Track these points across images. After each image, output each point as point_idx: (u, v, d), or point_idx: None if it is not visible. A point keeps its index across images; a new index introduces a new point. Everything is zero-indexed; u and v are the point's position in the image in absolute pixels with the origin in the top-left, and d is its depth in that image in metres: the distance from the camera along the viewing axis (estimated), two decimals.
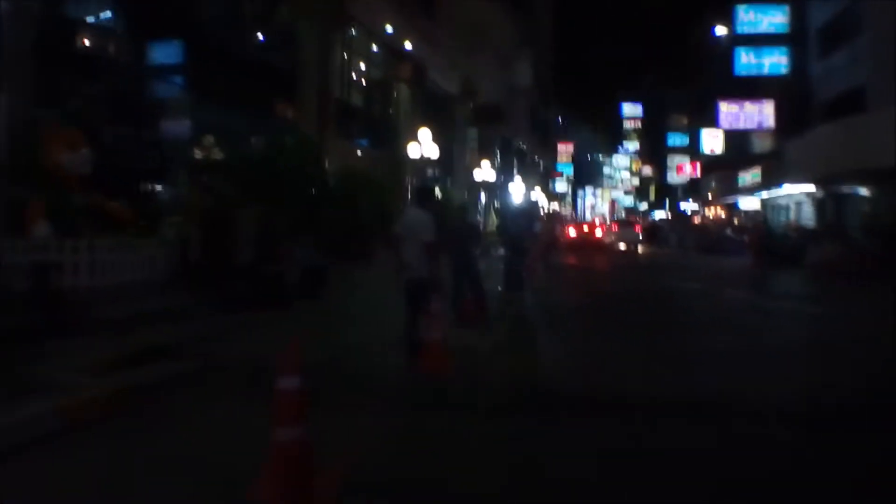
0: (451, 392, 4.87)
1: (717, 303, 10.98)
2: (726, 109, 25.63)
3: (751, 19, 24.46)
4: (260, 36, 14.43)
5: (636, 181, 68.37)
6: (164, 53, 11.77)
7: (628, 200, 70.72)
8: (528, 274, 11.53)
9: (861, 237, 15.74)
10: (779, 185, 22.93)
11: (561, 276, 15.36)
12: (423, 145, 18.36)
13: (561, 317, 8.92)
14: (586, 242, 26.63)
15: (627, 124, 68.83)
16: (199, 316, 6.95)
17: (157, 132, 11.09)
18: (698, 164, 38.27)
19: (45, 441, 3.60)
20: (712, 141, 31.40)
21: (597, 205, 78.67)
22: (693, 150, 38.49)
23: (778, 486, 3.23)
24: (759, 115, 25.14)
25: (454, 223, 8.43)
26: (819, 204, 21.19)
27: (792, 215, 23.89)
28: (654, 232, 36.08)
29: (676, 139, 44.92)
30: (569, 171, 62.62)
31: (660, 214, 49.93)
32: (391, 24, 18.65)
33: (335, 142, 15.65)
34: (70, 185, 7.12)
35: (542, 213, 31.99)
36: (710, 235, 26.76)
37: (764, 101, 24.88)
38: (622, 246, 28.79)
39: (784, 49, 23.91)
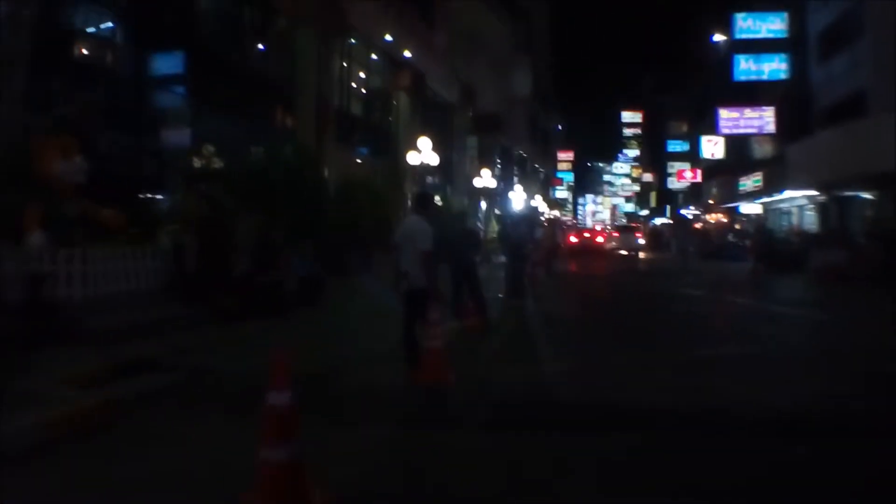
0: (451, 404, 4.79)
1: (720, 309, 10.87)
2: (726, 115, 25.60)
3: (749, 26, 24.49)
4: (260, 46, 14.44)
5: (637, 187, 68.39)
6: (166, 64, 11.79)
7: (629, 207, 70.77)
8: (530, 280, 11.44)
9: (864, 242, 15.62)
10: (781, 190, 22.84)
11: (562, 282, 15.27)
12: (423, 153, 18.33)
13: (562, 324, 8.84)
14: (587, 249, 26.60)
15: (627, 131, 69.01)
16: (193, 326, 6.86)
17: (157, 141, 11.05)
18: (699, 170, 38.25)
19: (29, 455, 3.51)
20: (712, 147, 31.36)
21: (598, 211, 78.72)
22: (693, 157, 38.48)
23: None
24: (760, 120, 25.11)
25: (454, 230, 8.34)
26: (822, 209, 21.09)
27: (794, 220, 23.78)
28: (655, 238, 36.06)
29: (676, 146, 44.91)
30: (569, 178, 62.75)
31: (661, 220, 49.84)
32: (390, 34, 18.70)
33: (335, 150, 15.64)
34: (63, 194, 7.05)
35: (543, 220, 31.97)
36: (711, 241, 26.65)
37: (764, 106, 24.85)
38: (623, 252, 28.74)
39: (783, 55, 23.91)
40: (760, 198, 25.89)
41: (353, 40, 17.58)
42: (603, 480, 3.31)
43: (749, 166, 27.57)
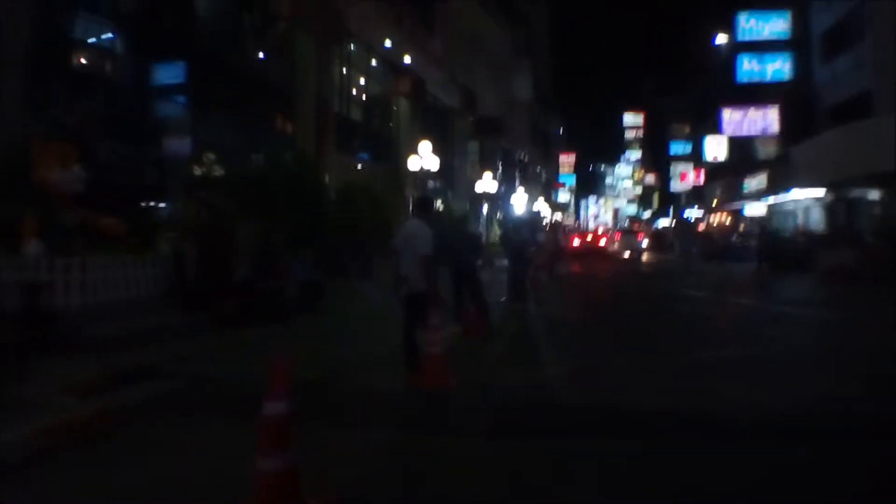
0: (451, 408, 4.74)
1: (723, 310, 10.78)
2: (729, 116, 25.48)
3: (752, 27, 24.38)
4: (260, 53, 14.47)
5: (639, 190, 68.26)
6: (167, 73, 11.84)
7: (631, 209, 70.62)
8: (532, 284, 11.37)
9: (872, 240, 15.49)
10: (786, 190, 22.70)
11: (565, 285, 15.22)
12: (424, 158, 18.32)
13: (564, 327, 8.79)
14: (590, 251, 26.53)
15: (629, 134, 68.94)
16: (193, 333, 6.83)
17: (157, 149, 11.07)
18: (702, 172, 38.11)
19: (28, 462, 3.50)
20: (715, 148, 31.23)
21: (600, 214, 78.60)
22: (696, 158, 38.35)
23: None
24: (764, 120, 24.96)
25: (455, 234, 8.30)
26: (828, 208, 20.94)
27: (800, 220, 23.62)
28: (658, 240, 35.93)
29: (679, 147, 44.77)
30: (571, 181, 62.68)
31: (664, 222, 49.67)
32: (390, 39, 18.73)
33: (335, 156, 15.64)
34: (61, 202, 7.03)
35: (545, 224, 31.91)
36: (715, 242, 26.49)
37: (768, 106, 24.70)
38: (626, 254, 28.65)
39: (787, 55, 23.78)
40: (766, 198, 25.74)
41: (352, 46, 17.61)
42: (604, 484, 3.28)
43: (753, 167, 27.44)
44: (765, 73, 24.10)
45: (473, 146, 29.39)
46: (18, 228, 6.54)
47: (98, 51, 10.80)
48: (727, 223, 32.82)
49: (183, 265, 7.87)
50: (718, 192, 34.34)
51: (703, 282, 15.51)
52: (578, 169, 65.14)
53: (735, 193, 29.73)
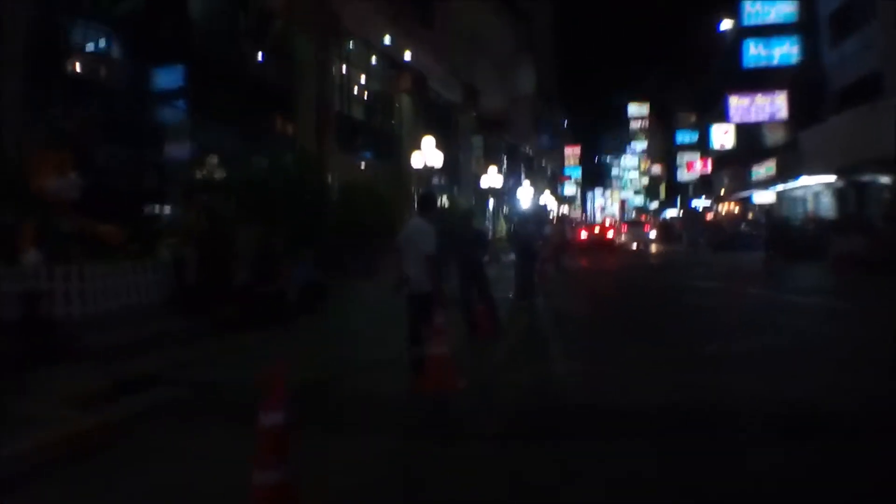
0: (457, 413, 4.64)
1: (731, 301, 10.60)
2: (736, 103, 25.09)
3: (758, 11, 23.96)
4: (258, 54, 14.37)
5: (645, 180, 67.70)
6: (167, 78, 11.79)
7: (638, 200, 70.10)
8: (540, 278, 11.22)
9: (884, 227, 15.16)
10: (795, 177, 22.33)
11: (572, 278, 15.08)
12: (428, 155, 18.16)
13: (572, 321, 8.70)
14: (597, 244, 26.37)
15: (634, 124, 68.33)
16: (194, 339, 6.78)
17: (157, 154, 11.00)
18: (709, 161, 37.68)
19: (29, 474, 3.47)
20: (722, 136, 30.84)
21: (606, 206, 78.10)
22: (703, 147, 37.92)
23: None
24: (772, 106, 24.55)
25: (460, 231, 8.16)
26: (839, 194, 20.57)
27: (810, 207, 23.25)
28: (666, 230, 35.64)
29: (685, 136, 44.30)
30: (577, 174, 62.31)
31: (671, 213, 49.25)
32: (389, 36, 18.56)
33: (337, 155, 15.53)
34: (59, 210, 6.97)
35: (551, 217, 31.72)
36: (723, 232, 26.17)
37: (776, 92, 24.27)
38: (633, 246, 28.42)
39: (794, 38, 23.34)
40: (775, 185, 25.37)
41: (351, 44, 17.46)
42: (611, 485, 3.23)
43: (761, 154, 27.05)
44: (772, 57, 23.69)
45: (478, 141, 29.23)
46: (16, 238, 6.48)
47: (96, 55, 10.75)
48: (735, 212, 32.44)
49: (183, 270, 7.81)
50: (726, 180, 33.95)
51: (712, 272, 15.32)
52: (584, 161, 64.72)
53: (743, 182, 29.35)
